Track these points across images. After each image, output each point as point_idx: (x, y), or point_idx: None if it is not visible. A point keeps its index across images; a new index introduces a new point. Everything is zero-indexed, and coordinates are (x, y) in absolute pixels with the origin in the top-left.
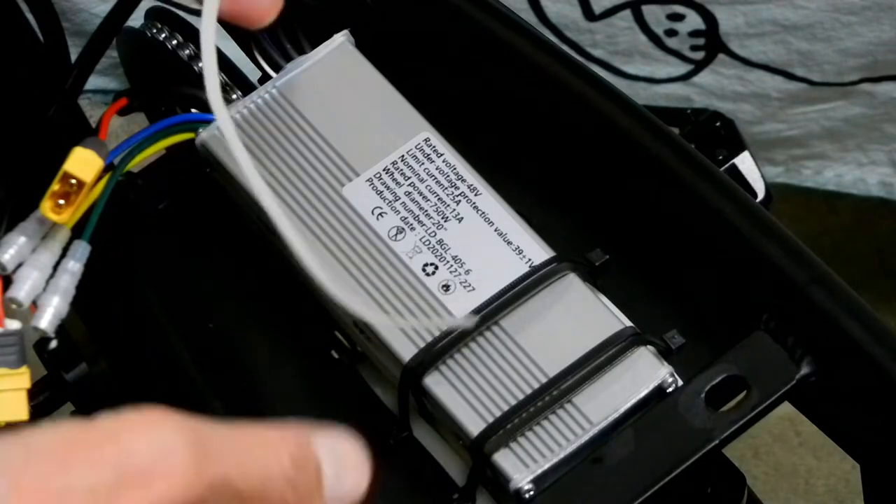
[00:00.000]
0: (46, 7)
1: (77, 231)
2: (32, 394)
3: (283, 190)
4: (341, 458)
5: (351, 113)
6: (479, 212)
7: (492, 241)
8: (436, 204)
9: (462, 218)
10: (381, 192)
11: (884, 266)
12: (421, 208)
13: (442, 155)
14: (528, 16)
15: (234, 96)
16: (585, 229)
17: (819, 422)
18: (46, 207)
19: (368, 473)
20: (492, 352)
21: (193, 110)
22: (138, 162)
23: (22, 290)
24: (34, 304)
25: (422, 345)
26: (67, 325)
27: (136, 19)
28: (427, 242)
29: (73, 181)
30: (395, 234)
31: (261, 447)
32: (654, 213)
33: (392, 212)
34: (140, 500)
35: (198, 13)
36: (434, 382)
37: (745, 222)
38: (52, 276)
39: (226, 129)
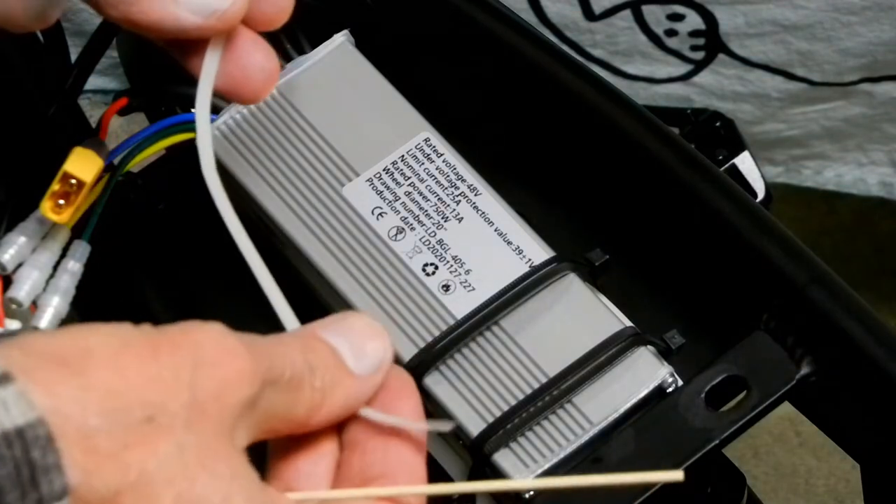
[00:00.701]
0: None
1: (77, 231)
2: None
3: (283, 190)
4: (353, 335)
5: (351, 113)
6: (479, 212)
7: (492, 241)
8: (436, 204)
9: (462, 218)
10: (381, 192)
11: (884, 266)
12: (421, 208)
13: (442, 155)
14: (528, 16)
15: None
16: (585, 229)
17: (819, 422)
18: (46, 207)
19: (386, 338)
20: (492, 352)
21: (193, 110)
22: (138, 162)
23: (22, 290)
24: (34, 304)
25: (422, 345)
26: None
27: None
28: (427, 242)
29: (73, 181)
30: (395, 234)
31: (281, 345)
32: (654, 213)
33: (392, 212)
34: (216, 381)
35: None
36: (434, 382)
37: (745, 222)
38: (52, 276)
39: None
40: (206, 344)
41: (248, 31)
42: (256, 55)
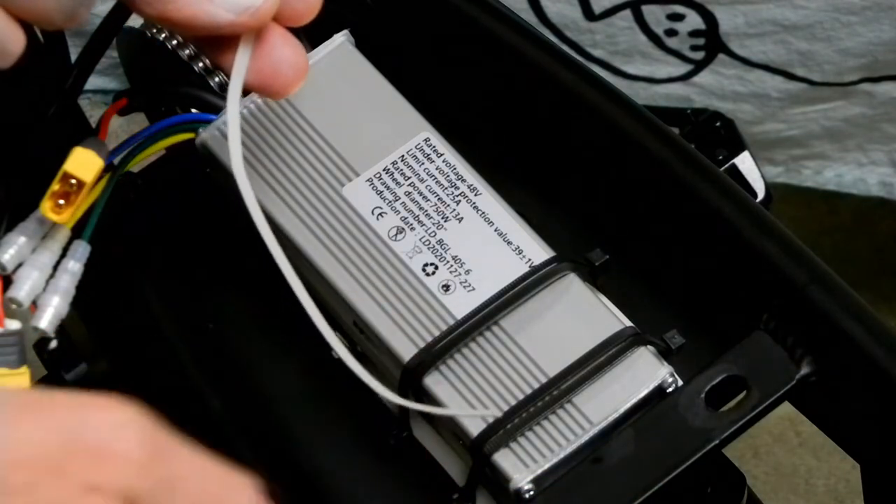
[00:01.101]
0: None
1: (77, 231)
2: None
3: (283, 190)
4: None
5: (351, 113)
6: (479, 212)
7: (492, 241)
8: (436, 204)
9: (462, 218)
10: (381, 192)
11: (884, 266)
12: (421, 208)
13: (442, 155)
14: (528, 16)
15: None
16: (585, 229)
17: (819, 422)
18: (46, 207)
19: None
20: (492, 352)
21: (193, 110)
22: (138, 162)
23: (22, 290)
24: (34, 304)
25: (422, 345)
26: (67, 325)
27: (136, 19)
28: (427, 242)
29: (73, 181)
30: (395, 234)
31: (224, 479)
32: (654, 213)
33: (392, 212)
34: (85, 474)
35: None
36: (434, 382)
37: (745, 222)
38: (52, 276)
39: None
40: (94, 425)
41: (277, 27)
42: (286, 50)
